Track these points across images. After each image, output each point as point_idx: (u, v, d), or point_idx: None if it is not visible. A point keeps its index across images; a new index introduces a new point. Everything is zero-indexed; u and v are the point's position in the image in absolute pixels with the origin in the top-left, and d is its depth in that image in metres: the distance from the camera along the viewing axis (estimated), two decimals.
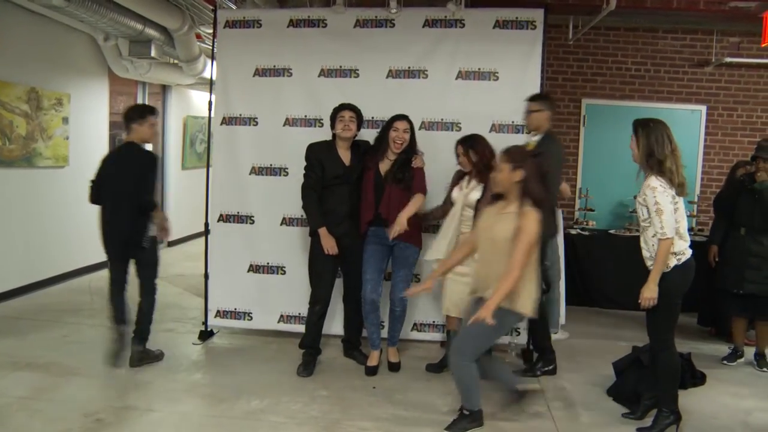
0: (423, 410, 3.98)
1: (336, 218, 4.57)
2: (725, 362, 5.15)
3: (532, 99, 4.75)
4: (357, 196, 4.70)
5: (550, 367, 4.79)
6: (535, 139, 4.75)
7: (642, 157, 3.87)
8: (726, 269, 5.18)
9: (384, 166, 4.63)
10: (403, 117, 4.62)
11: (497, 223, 3.62)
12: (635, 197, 3.97)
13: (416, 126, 4.81)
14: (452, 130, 5.07)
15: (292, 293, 5.22)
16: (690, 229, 6.96)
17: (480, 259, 3.76)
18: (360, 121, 4.70)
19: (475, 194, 4.38)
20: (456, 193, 4.49)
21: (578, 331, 5.81)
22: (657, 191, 3.67)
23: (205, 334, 5.38)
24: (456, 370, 3.69)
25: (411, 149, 4.62)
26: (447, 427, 3.72)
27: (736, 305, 5.13)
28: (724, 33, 7.21)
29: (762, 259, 4.95)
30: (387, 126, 4.63)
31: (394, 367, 4.71)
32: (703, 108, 7.39)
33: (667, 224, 3.63)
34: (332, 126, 4.70)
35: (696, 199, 7.24)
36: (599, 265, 6.75)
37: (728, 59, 7.07)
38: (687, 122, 7.40)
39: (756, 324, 5.15)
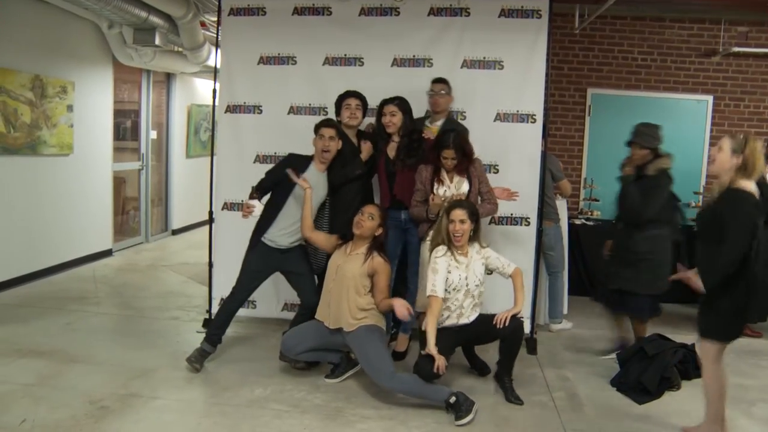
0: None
1: (351, 211, 4.46)
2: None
3: (441, 81, 4.79)
4: (369, 186, 4.76)
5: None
6: (438, 123, 4.83)
7: None
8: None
9: (391, 150, 4.64)
10: (390, 100, 4.62)
11: (347, 263, 4.19)
12: None
13: (421, 115, 4.81)
14: (457, 118, 5.05)
15: None
16: (695, 220, 6.99)
17: (332, 295, 4.21)
18: (365, 108, 4.70)
19: (465, 186, 4.42)
20: (443, 190, 4.41)
21: (582, 322, 5.80)
22: None
23: (210, 322, 5.37)
24: (396, 391, 3.97)
25: (407, 129, 4.61)
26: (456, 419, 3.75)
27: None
28: (732, 22, 7.16)
29: (632, 253, 4.62)
30: (378, 112, 4.66)
31: (399, 356, 4.69)
32: (710, 98, 7.36)
33: None
34: (337, 113, 4.71)
35: (701, 190, 7.20)
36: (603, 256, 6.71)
37: (736, 49, 7.02)
38: (693, 112, 7.38)
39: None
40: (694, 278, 3.52)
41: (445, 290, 4.06)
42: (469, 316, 4.16)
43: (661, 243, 4.60)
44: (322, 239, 4.44)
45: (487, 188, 4.48)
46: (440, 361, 3.81)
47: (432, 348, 3.84)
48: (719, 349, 3.49)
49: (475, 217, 4.10)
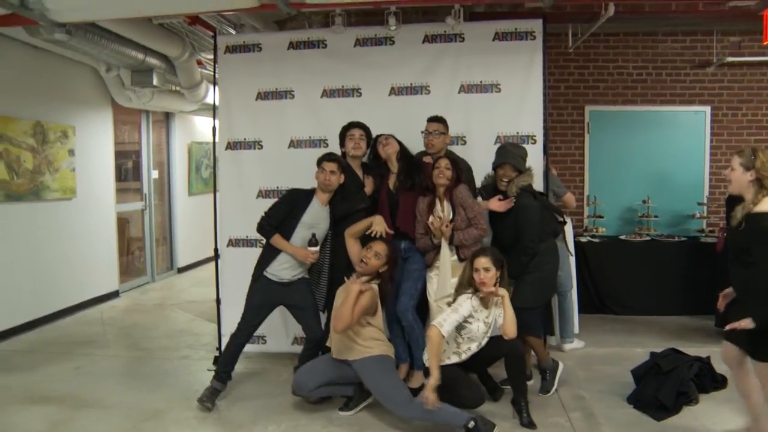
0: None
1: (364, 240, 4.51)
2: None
3: (437, 120, 4.72)
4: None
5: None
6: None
7: None
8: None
9: (392, 181, 4.65)
10: (382, 134, 4.72)
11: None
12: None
13: (422, 142, 4.81)
14: (457, 144, 5.06)
15: None
16: (701, 231, 6.98)
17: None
18: (369, 139, 4.73)
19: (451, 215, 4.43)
20: (437, 221, 4.37)
21: (593, 340, 5.75)
22: None
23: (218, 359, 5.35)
24: (414, 419, 3.95)
25: (406, 154, 4.68)
26: None
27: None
28: (725, 33, 7.21)
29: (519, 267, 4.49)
30: (374, 145, 4.73)
31: (413, 394, 4.58)
32: (707, 109, 7.37)
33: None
34: (341, 144, 4.73)
35: (705, 201, 7.19)
36: (611, 272, 6.70)
37: (730, 59, 7.05)
38: (692, 124, 7.39)
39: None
40: (744, 324, 3.31)
41: (459, 334, 4.05)
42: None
43: (547, 256, 4.58)
44: (354, 248, 4.40)
45: (473, 213, 4.41)
46: (431, 396, 3.76)
47: (433, 381, 3.79)
48: None
49: (500, 263, 4.04)
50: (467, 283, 4.07)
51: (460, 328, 4.03)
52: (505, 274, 4.11)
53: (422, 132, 4.80)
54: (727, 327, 3.41)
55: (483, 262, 3.99)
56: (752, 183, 3.34)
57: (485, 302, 4.06)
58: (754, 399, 3.57)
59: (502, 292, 4.03)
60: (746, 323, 3.28)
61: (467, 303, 3.99)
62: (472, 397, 4.00)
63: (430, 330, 3.93)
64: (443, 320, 3.91)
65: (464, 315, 3.97)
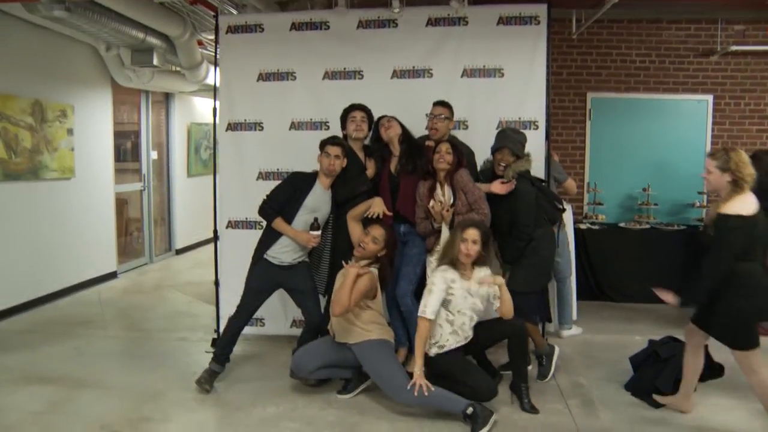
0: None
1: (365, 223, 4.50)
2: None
3: (443, 105, 4.72)
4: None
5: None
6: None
7: None
8: None
9: (393, 164, 4.64)
10: (384, 116, 4.68)
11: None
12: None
13: (423, 126, 4.79)
14: (459, 128, 5.04)
15: None
16: (700, 220, 6.97)
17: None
18: (371, 121, 4.70)
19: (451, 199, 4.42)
20: (437, 205, 4.35)
21: (592, 327, 5.76)
22: None
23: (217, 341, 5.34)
24: (413, 404, 3.91)
25: (408, 137, 4.65)
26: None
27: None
28: (729, 21, 7.15)
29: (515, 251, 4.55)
30: (375, 127, 4.70)
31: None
32: (710, 97, 7.33)
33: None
34: (343, 127, 4.71)
35: (705, 190, 7.18)
36: (610, 259, 6.70)
37: (734, 47, 7.01)
38: (694, 112, 7.36)
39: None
40: (667, 298, 3.70)
41: (448, 311, 4.04)
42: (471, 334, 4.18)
43: (543, 242, 4.58)
44: (356, 230, 4.39)
45: (474, 198, 4.38)
46: (421, 381, 3.83)
47: (418, 370, 3.87)
48: (753, 356, 3.49)
49: (486, 237, 4.06)
50: (451, 255, 4.06)
51: (446, 303, 4.03)
52: (490, 251, 4.14)
53: (427, 114, 4.77)
54: (655, 290, 3.75)
55: (472, 234, 4.00)
56: (729, 183, 3.46)
57: (463, 273, 4.05)
58: (690, 376, 3.95)
59: (499, 280, 4.03)
60: (670, 298, 3.67)
61: (438, 276, 4.01)
62: (485, 389, 3.95)
63: (418, 320, 3.96)
64: (424, 306, 3.95)
65: (442, 289, 3.98)
